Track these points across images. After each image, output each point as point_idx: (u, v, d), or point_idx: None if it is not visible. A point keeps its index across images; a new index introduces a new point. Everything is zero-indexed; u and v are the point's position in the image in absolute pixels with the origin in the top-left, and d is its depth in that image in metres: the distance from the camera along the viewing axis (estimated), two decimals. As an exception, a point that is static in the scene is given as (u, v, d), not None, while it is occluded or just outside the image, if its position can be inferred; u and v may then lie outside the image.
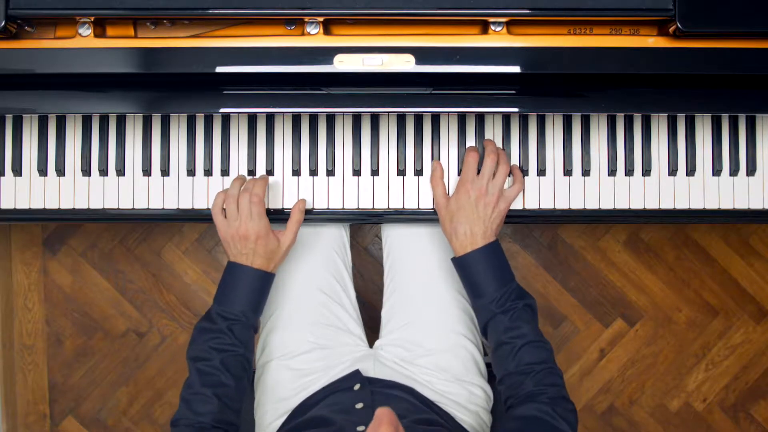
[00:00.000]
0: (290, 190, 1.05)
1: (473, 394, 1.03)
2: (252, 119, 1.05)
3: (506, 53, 0.91)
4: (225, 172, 1.05)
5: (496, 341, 0.93)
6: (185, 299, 1.72)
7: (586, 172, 1.04)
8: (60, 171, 1.05)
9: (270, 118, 1.05)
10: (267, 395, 1.05)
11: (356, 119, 1.05)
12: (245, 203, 0.96)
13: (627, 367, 1.73)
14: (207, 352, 0.93)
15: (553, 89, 0.95)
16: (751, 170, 1.04)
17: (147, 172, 1.05)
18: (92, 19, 0.91)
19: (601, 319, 1.73)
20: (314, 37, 0.91)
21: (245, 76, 0.92)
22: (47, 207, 1.05)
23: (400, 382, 1.01)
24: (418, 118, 1.05)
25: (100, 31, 0.93)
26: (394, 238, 1.12)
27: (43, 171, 1.04)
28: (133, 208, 1.05)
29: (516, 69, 0.91)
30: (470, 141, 1.05)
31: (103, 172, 1.04)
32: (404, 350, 1.05)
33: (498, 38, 0.91)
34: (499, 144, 1.05)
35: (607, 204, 1.04)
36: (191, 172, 1.04)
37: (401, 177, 1.05)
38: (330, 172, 1.05)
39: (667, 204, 1.04)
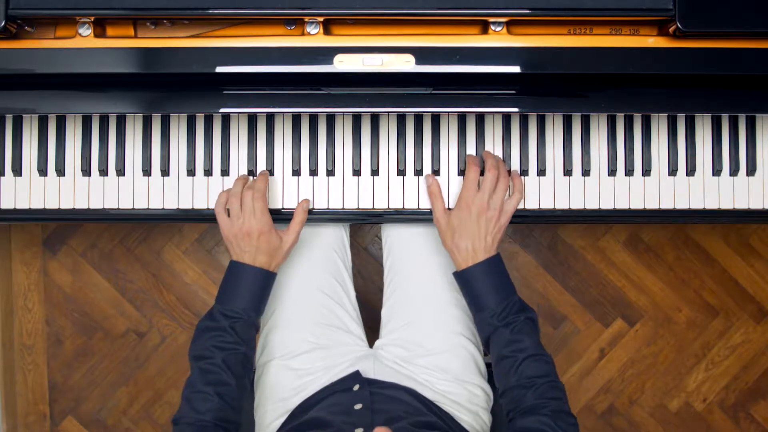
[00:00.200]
0: (290, 190, 1.05)
1: (473, 393, 1.03)
2: (252, 119, 1.05)
3: (506, 53, 0.91)
4: (225, 172, 1.05)
5: (497, 355, 0.93)
6: (185, 299, 1.72)
7: (586, 172, 1.04)
8: (60, 171, 1.05)
9: (270, 118, 1.05)
10: (267, 395, 1.05)
11: (356, 119, 1.05)
12: (248, 200, 0.97)
13: (627, 367, 1.73)
14: (209, 350, 0.93)
15: (553, 89, 0.95)
16: (751, 170, 1.04)
17: (147, 172, 1.05)
18: (92, 19, 0.91)
19: (601, 319, 1.73)
20: (314, 37, 0.91)
21: (245, 76, 0.92)
22: (47, 207, 1.05)
23: (400, 383, 1.01)
24: (418, 118, 1.05)
25: (100, 31, 0.93)
26: (394, 238, 1.12)
27: (43, 171, 1.04)
28: (133, 208, 1.05)
29: (516, 69, 0.91)
30: (470, 141, 1.05)
31: (103, 172, 1.04)
32: (404, 350, 1.06)
33: (498, 38, 0.91)
34: (499, 144, 1.05)
35: (607, 204, 1.04)
36: (191, 172, 1.04)
37: (401, 177, 1.05)
38: (330, 172, 1.05)
39: (667, 204, 1.04)
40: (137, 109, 0.95)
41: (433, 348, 1.04)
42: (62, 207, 1.05)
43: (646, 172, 1.04)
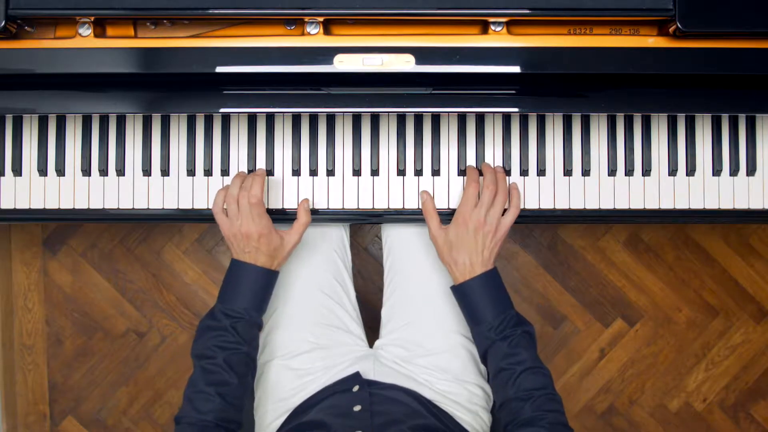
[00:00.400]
0: (290, 190, 1.05)
1: (473, 393, 1.03)
2: (252, 119, 1.05)
3: (506, 53, 0.91)
4: (225, 172, 1.05)
5: (495, 368, 0.94)
6: (185, 299, 1.72)
7: (586, 172, 1.04)
8: (60, 171, 1.05)
9: (270, 118, 1.05)
10: (267, 395, 1.05)
11: (356, 119, 1.05)
12: (244, 203, 0.97)
13: (627, 367, 1.73)
14: (210, 350, 0.93)
15: (553, 89, 0.95)
16: (751, 170, 1.04)
17: (147, 172, 1.05)
18: (92, 19, 0.91)
19: (601, 319, 1.73)
20: (314, 37, 0.91)
21: (245, 76, 0.92)
22: (47, 207, 1.05)
23: (400, 385, 1.01)
24: (418, 118, 1.05)
25: (100, 31, 0.93)
26: (394, 238, 1.12)
27: (43, 171, 1.04)
28: (133, 208, 1.05)
29: (516, 69, 0.91)
30: (470, 141, 1.05)
31: (103, 172, 1.04)
32: (404, 350, 1.06)
33: (498, 38, 0.91)
34: (499, 144, 1.05)
35: (607, 204, 1.04)
36: (191, 172, 1.04)
37: (401, 177, 1.05)
38: (330, 172, 1.05)
39: (667, 204, 1.04)
40: (137, 109, 0.95)
41: (433, 348, 1.04)
42: (62, 207, 1.05)
43: (646, 172, 1.04)
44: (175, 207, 1.05)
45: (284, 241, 0.98)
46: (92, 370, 1.72)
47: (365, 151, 1.05)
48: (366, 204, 1.05)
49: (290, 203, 1.05)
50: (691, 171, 1.04)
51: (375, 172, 1.05)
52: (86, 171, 1.05)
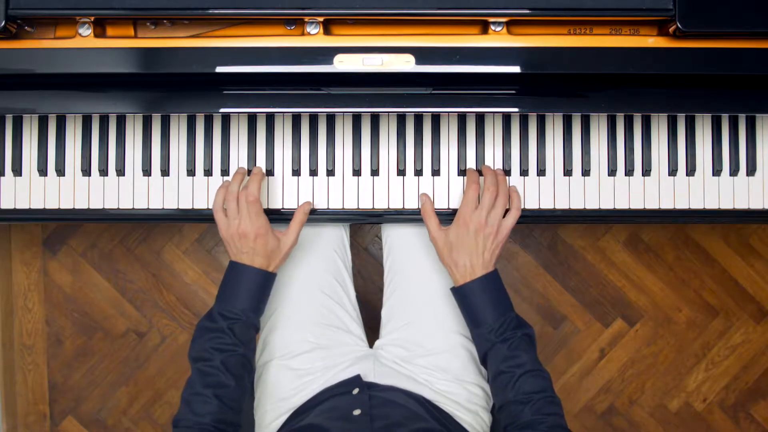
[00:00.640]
0: (290, 190, 1.05)
1: (473, 393, 1.03)
2: (252, 119, 1.05)
3: (506, 53, 0.91)
4: (225, 172, 1.05)
5: (495, 370, 0.94)
6: (185, 299, 1.72)
7: (586, 172, 1.04)
8: (60, 171, 1.05)
9: (270, 118, 1.05)
10: (267, 395, 1.05)
11: (356, 119, 1.05)
12: (243, 202, 0.97)
13: (627, 367, 1.73)
14: (208, 352, 0.93)
15: (553, 89, 0.95)
16: (751, 170, 1.04)
17: (147, 172, 1.05)
18: (92, 19, 0.91)
19: (601, 319, 1.73)
20: (314, 37, 0.91)
21: (245, 76, 0.92)
22: (47, 207, 1.05)
23: (400, 387, 1.01)
24: (418, 118, 1.05)
25: (100, 31, 0.93)
26: (394, 238, 1.12)
27: (43, 171, 1.04)
28: (133, 208, 1.05)
29: (516, 69, 0.91)
30: (470, 141, 1.05)
31: (103, 172, 1.04)
32: (404, 350, 1.06)
33: (498, 38, 0.91)
34: (499, 144, 1.05)
35: (607, 204, 1.04)
36: (191, 172, 1.04)
37: (401, 177, 1.05)
38: (330, 172, 1.05)
39: (667, 204, 1.04)
40: (137, 109, 0.95)
41: (433, 348, 1.04)
42: (62, 207, 1.05)
43: (646, 172, 1.04)
44: (175, 207, 1.05)
45: (281, 243, 0.98)
46: (92, 370, 1.72)
47: (365, 151, 1.05)
48: (366, 204, 1.05)
49: (290, 203, 1.05)
50: (691, 171, 1.04)
51: (375, 172, 1.05)
52: (86, 171, 1.05)
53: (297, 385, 1.03)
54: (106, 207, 1.05)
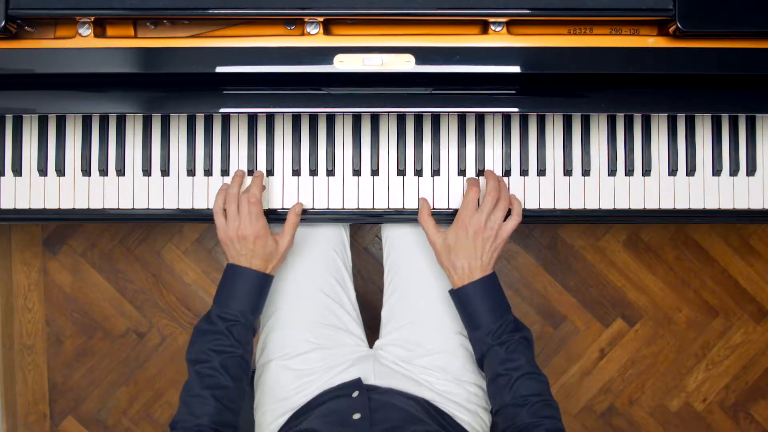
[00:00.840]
0: (290, 190, 1.05)
1: (472, 393, 1.03)
2: (252, 119, 1.05)
3: (506, 53, 0.91)
4: (225, 172, 1.05)
5: (492, 373, 0.94)
6: (185, 299, 1.72)
7: (586, 172, 1.04)
8: (60, 171, 1.05)
9: (270, 118, 1.05)
10: (267, 395, 1.05)
11: (356, 119, 1.05)
12: (244, 203, 0.97)
13: (627, 367, 1.73)
14: (206, 353, 0.93)
15: (553, 89, 0.95)
16: (751, 170, 1.04)
17: (147, 172, 1.05)
18: (92, 19, 0.91)
19: (601, 319, 1.73)
20: (314, 37, 0.91)
21: (245, 76, 0.92)
22: (47, 207, 1.05)
23: (400, 390, 1.01)
24: (418, 118, 1.05)
25: (100, 31, 0.93)
26: (394, 238, 1.12)
27: (43, 171, 1.04)
28: (133, 208, 1.05)
29: (516, 69, 0.91)
30: (470, 141, 1.05)
31: (103, 172, 1.04)
32: (404, 350, 1.06)
33: (498, 38, 0.91)
34: (499, 144, 1.05)
35: (607, 204, 1.04)
36: (191, 172, 1.04)
37: (401, 177, 1.05)
38: (330, 172, 1.05)
39: (667, 204, 1.04)
40: (137, 109, 0.95)
41: (433, 348, 1.04)
42: (62, 207, 1.05)
43: (646, 172, 1.04)
44: (175, 207, 1.05)
45: (278, 245, 0.99)
46: (92, 370, 1.72)
47: (365, 151, 1.05)
48: (366, 204, 1.05)
49: (290, 203, 1.05)
50: (691, 171, 1.04)
51: (375, 172, 1.05)
52: (86, 171, 1.05)
53: (297, 386, 1.03)
54: (106, 207, 1.05)
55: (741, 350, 1.73)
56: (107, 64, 0.91)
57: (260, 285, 0.98)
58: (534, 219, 1.05)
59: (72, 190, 1.05)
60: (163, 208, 1.05)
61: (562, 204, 1.05)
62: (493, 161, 1.05)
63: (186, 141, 1.05)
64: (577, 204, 1.05)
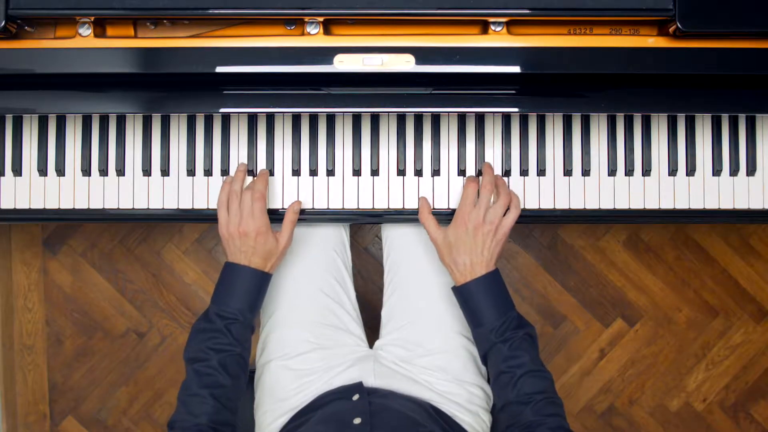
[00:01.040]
0: (290, 190, 1.05)
1: (473, 394, 1.03)
2: (252, 119, 1.05)
3: (506, 53, 0.91)
4: (225, 172, 1.05)
5: (495, 370, 0.94)
6: (185, 299, 1.72)
7: (586, 172, 1.04)
8: (60, 171, 1.05)
9: (270, 118, 1.05)
10: (267, 395, 1.05)
11: (356, 119, 1.05)
12: (247, 200, 0.97)
13: (627, 367, 1.73)
14: (204, 352, 0.93)
15: (553, 89, 0.95)
16: (751, 170, 1.04)
17: (147, 172, 1.05)
18: (92, 19, 0.91)
19: (601, 319, 1.73)
20: (314, 37, 0.91)
21: (245, 76, 0.92)
22: (47, 207, 1.05)
23: (401, 392, 1.01)
24: (418, 118, 1.05)
25: (100, 31, 0.93)
26: (394, 238, 1.12)
27: (43, 171, 1.04)
28: (133, 208, 1.05)
29: (516, 69, 0.91)
30: (470, 141, 1.05)
31: (103, 172, 1.04)
32: (404, 350, 1.05)
33: (498, 38, 0.91)
34: (499, 144, 1.05)
35: (607, 204, 1.04)
36: (191, 172, 1.04)
37: (401, 177, 1.05)
38: (330, 172, 1.05)
39: (667, 204, 1.04)
40: (137, 109, 0.95)
41: (433, 348, 1.04)
42: (62, 207, 1.05)
43: (646, 172, 1.04)
44: (175, 207, 1.05)
45: (278, 243, 0.99)
46: (92, 370, 1.72)
47: (365, 151, 1.05)
48: (366, 204, 1.05)
49: (290, 203, 1.05)
50: (691, 171, 1.04)
51: (375, 172, 1.05)
52: (86, 171, 1.05)
53: (297, 386, 1.03)
54: (106, 207, 1.05)
55: (741, 350, 1.73)
56: (107, 64, 0.91)
57: (259, 283, 0.98)
58: (534, 219, 1.05)
59: (72, 190, 1.05)
60: (163, 208, 1.05)
61: (562, 204, 1.05)
62: (493, 161, 1.05)
63: (186, 141, 1.05)
64: (577, 204, 1.05)
